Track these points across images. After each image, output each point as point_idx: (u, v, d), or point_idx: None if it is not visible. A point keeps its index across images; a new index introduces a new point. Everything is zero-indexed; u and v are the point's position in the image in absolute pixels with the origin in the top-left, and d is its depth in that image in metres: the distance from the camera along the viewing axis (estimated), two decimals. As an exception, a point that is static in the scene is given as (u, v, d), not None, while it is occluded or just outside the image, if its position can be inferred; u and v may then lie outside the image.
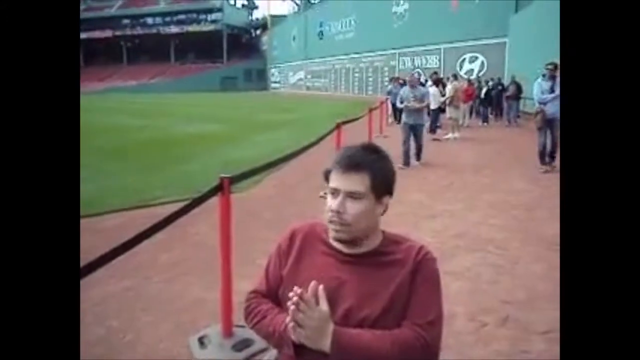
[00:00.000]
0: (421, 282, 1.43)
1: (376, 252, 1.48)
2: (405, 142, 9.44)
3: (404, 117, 9.85)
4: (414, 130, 9.55)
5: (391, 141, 12.68)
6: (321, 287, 1.35)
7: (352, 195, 1.41)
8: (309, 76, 54.50)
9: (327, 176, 1.47)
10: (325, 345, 1.31)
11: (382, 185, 1.45)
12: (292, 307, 1.29)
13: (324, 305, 1.33)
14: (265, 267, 1.63)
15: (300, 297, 1.29)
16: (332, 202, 1.43)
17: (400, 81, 20.72)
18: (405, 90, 9.90)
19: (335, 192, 1.43)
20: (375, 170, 1.43)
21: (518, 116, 18.29)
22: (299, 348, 1.37)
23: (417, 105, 9.47)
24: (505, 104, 18.63)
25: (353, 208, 1.41)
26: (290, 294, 1.30)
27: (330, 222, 1.44)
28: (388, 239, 1.52)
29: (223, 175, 2.97)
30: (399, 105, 10.05)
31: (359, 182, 1.42)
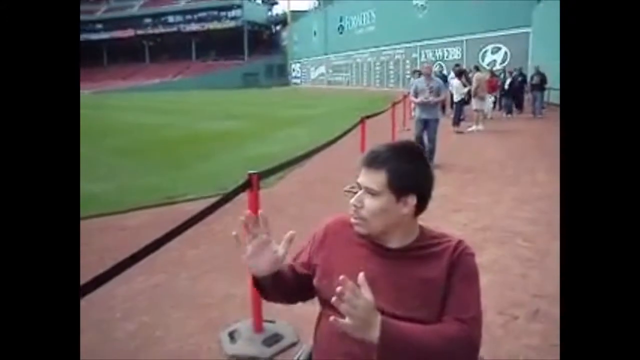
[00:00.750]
0: (460, 277, 1.41)
1: (412, 247, 1.48)
2: (418, 138, 8.76)
3: (417, 111, 9.10)
4: (427, 126, 8.82)
5: (413, 135, 12.64)
6: (362, 275, 1.29)
7: (369, 192, 1.44)
8: (330, 71, 54.42)
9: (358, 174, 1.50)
10: (373, 335, 1.25)
11: (402, 183, 1.43)
12: (334, 298, 1.22)
13: (367, 294, 1.26)
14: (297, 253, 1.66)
15: (345, 285, 1.22)
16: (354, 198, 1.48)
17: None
18: (420, 82, 9.03)
19: (358, 187, 1.47)
20: (394, 169, 1.42)
21: (543, 107, 18.01)
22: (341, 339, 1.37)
23: (434, 99, 8.72)
24: (530, 95, 18.35)
25: (370, 204, 1.43)
26: (337, 288, 1.21)
27: (351, 215, 1.49)
28: (426, 235, 1.51)
29: (251, 171, 2.99)
30: (412, 98, 9.15)
31: (375, 179, 1.43)
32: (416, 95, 8.79)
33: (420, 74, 21.23)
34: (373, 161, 1.44)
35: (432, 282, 1.41)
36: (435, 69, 23.18)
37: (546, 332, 3.15)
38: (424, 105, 8.74)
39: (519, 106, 19.04)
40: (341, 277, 1.21)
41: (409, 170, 1.44)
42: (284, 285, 1.53)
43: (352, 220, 1.48)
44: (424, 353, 1.29)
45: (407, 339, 1.29)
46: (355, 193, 1.48)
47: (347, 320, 1.22)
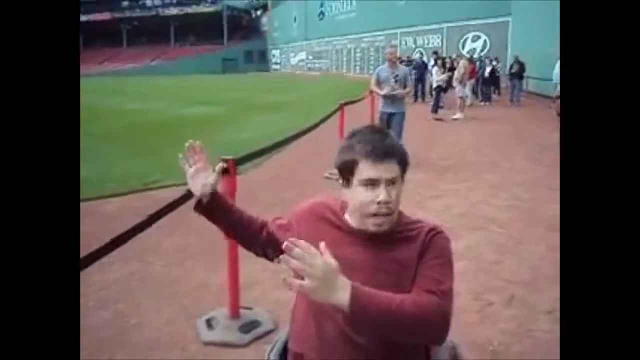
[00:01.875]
0: (432, 257, 1.42)
1: (391, 232, 1.47)
2: None
3: (380, 104, 7.80)
4: (393, 120, 7.60)
5: (393, 122, 12.65)
6: (322, 243, 1.25)
7: (392, 182, 1.42)
8: (310, 57, 54.12)
9: (348, 168, 1.44)
10: (341, 299, 1.21)
11: (405, 166, 1.46)
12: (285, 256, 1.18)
13: (329, 258, 1.22)
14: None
15: (295, 244, 1.19)
16: (376, 194, 1.41)
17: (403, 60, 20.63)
18: (383, 70, 7.75)
19: (374, 183, 1.41)
20: (399, 152, 1.44)
21: (521, 95, 18.18)
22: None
23: (401, 92, 7.57)
24: (509, 83, 18.53)
25: (394, 195, 1.42)
26: (285, 243, 1.18)
27: (376, 215, 1.42)
28: (403, 219, 1.52)
29: (226, 157, 2.95)
30: (374, 88, 7.83)
31: (395, 168, 1.42)
32: (379, 84, 7.64)
33: (408, 62, 21.25)
34: (387, 151, 1.41)
35: (405, 264, 1.42)
36: (416, 55, 23.28)
37: (521, 318, 3.19)
38: (388, 98, 7.56)
39: (497, 92, 19.28)
40: (285, 243, 1.17)
41: (404, 150, 1.48)
42: (230, 220, 1.70)
43: (377, 220, 1.42)
44: (396, 319, 1.26)
45: (378, 304, 1.25)
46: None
47: (305, 281, 1.17)
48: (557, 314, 3.22)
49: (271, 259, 1.66)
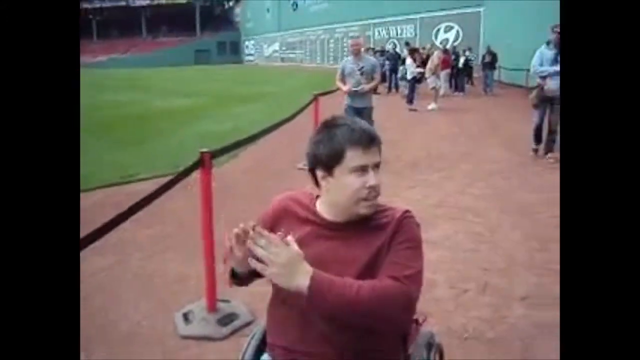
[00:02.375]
0: (401, 240, 1.44)
1: (361, 220, 1.48)
2: None
3: (346, 99, 7.16)
4: (360, 116, 6.39)
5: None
6: (290, 237, 1.33)
7: (377, 167, 1.46)
8: (283, 48, 53.85)
9: (334, 158, 1.44)
10: (302, 286, 1.29)
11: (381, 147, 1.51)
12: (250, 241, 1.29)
13: (293, 247, 1.31)
14: None
15: (260, 233, 1.29)
16: (365, 179, 1.43)
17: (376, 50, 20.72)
18: (348, 62, 7.15)
19: (363, 169, 1.43)
20: (377, 136, 1.48)
21: (494, 86, 18.40)
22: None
23: (367, 87, 6.95)
24: (482, 73, 18.72)
25: (379, 179, 1.46)
26: (251, 233, 1.30)
27: (367, 199, 1.45)
28: (378, 207, 1.52)
29: (203, 150, 2.94)
30: (339, 84, 7.21)
31: (378, 153, 1.47)
32: (344, 78, 7.10)
33: (382, 52, 21.16)
34: (372, 137, 1.45)
35: (378, 250, 1.44)
36: (389, 46, 23.31)
37: (496, 304, 3.24)
38: (353, 93, 7.01)
39: (471, 82, 19.49)
40: (250, 223, 1.32)
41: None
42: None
43: (368, 203, 1.45)
44: (355, 302, 1.30)
45: (336, 290, 1.30)
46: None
47: (269, 267, 1.28)
48: (531, 300, 3.29)
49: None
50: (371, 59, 7.51)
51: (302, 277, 1.29)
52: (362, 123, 1.50)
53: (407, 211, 1.51)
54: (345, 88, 7.00)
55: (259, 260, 1.28)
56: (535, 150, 7.59)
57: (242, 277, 1.57)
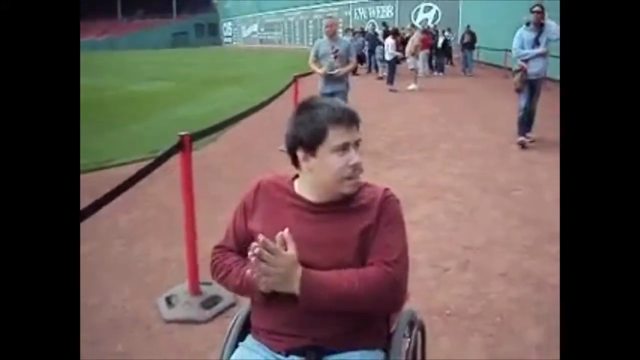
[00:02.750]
0: (385, 222, 1.47)
1: (341, 201, 1.49)
2: None
3: (320, 84, 6.75)
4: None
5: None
6: (286, 231, 1.37)
7: (357, 145, 1.47)
8: (262, 29, 53.33)
9: (316, 138, 1.43)
10: (295, 287, 1.36)
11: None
12: (253, 257, 1.31)
13: (291, 249, 1.36)
14: (230, 222, 1.62)
15: (265, 246, 1.31)
16: (348, 158, 1.44)
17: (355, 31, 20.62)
18: (322, 43, 6.78)
19: (345, 147, 1.44)
20: (356, 113, 1.49)
21: (473, 66, 18.46)
22: (269, 295, 1.41)
23: (342, 71, 6.56)
24: (461, 53, 18.77)
25: (359, 156, 1.47)
26: (253, 244, 1.31)
27: (350, 177, 1.46)
28: None
29: (183, 133, 2.91)
30: (312, 66, 6.83)
31: (358, 130, 1.48)
32: (318, 60, 6.72)
33: (361, 32, 20.98)
34: (353, 115, 1.47)
35: (364, 231, 1.45)
36: (368, 27, 23.20)
37: (476, 282, 3.29)
38: (328, 76, 6.61)
39: (450, 62, 19.56)
40: (259, 236, 1.31)
41: None
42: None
43: (352, 182, 1.46)
44: (348, 297, 1.37)
45: (327, 286, 1.37)
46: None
47: (267, 278, 1.34)
48: (510, 276, 3.35)
49: None
50: (346, 41, 7.12)
51: (296, 282, 1.35)
52: (341, 102, 1.52)
53: (386, 189, 1.53)
54: (320, 71, 6.66)
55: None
56: (522, 144, 6.95)
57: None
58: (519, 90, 6.95)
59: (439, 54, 18.98)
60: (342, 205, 1.49)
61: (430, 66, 18.62)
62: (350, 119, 1.45)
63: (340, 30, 34.03)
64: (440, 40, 18.91)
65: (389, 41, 14.68)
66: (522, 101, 6.97)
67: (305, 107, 1.48)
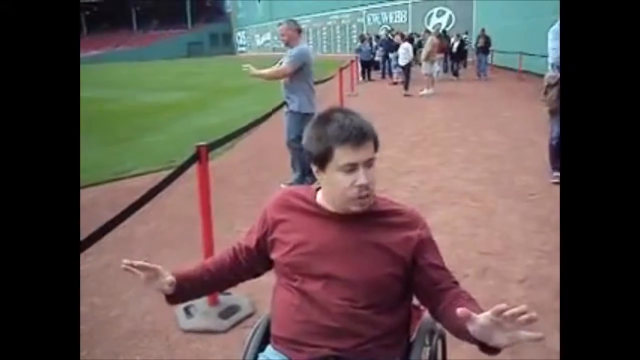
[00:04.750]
0: (433, 253, 1.52)
1: (368, 213, 1.49)
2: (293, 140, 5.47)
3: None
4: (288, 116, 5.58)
5: (361, 100, 12.71)
6: None
7: (369, 164, 1.43)
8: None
9: (322, 156, 1.42)
10: None
11: (377, 142, 1.47)
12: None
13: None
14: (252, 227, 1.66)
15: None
16: (355, 177, 1.41)
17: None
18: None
19: (353, 167, 1.40)
20: (371, 131, 1.44)
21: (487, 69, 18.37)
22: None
23: (254, 71, 5.58)
24: (475, 57, 18.68)
25: (371, 175, 1.43)
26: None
27: (360, 197, 1.43)
28: (379, 202, 1.53)
29: (199, 144, 2.93)
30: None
31: (370, 150, 1.43)
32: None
33: (362, 38, 20.90)
34: (363, 134, 1.41)
35: (382, 246, 1.46)
36: (381, 32, 23.22)
37: (494, 288, 3.26)
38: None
39: (464, 65, 19.50)
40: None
41: (373, 128, 1.47)
42: (205, 285, 1.67)
43: (361, 202, 1.44)
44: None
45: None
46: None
47: None
48: (529, 282, 3.31)
49: (261, 275, 1.70)
50: (294, 50, 5.47)
51: None
52: (355, 118, 1.44)
53: (418, 214, 1.57)
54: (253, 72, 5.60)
55: None
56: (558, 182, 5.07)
57: (178, 295, 1.64)
58: (553, 112, 5.12)
59: (454, 58, 18.92)
60: (366, 216, 1.49)
61: (446, 70, 18.57)
62: (359, 138, 1.40)
63: (354, 36, 34.16)
64: (456, 45, 18.84)
65: (406, 46, 14.65)
66: (556, 127, 5.10)
67: (318, 122, 1.47)
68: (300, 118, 5.24)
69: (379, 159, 1.49)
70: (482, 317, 1.22)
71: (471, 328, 1.25)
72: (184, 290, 1.60)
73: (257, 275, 1.69)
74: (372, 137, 1.43)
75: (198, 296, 1.72)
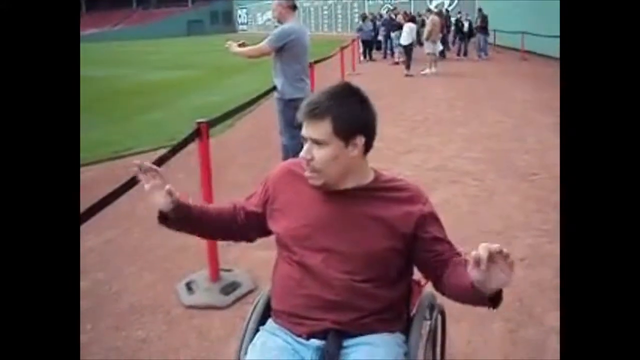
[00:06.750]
0: (437, 228, 1.56)
1: (369, 188, 1.51)
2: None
3: None
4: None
5: (363, 78, 12.61)
6: None
7: (316, 142, 1.43)
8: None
9: (301, 124, 1.48)
10: None
11: (348, 128, 1.43)
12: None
13: None
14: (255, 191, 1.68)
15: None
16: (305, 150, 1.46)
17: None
18: None
19: (306, 140, 1.45)
20: (337, 114, 1.41)
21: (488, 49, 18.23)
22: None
23: (234, 48, 5.25)
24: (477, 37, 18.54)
25: (319, 154, 1.43)
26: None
27: (305, 168, 1.48)
28: (380, 178, 1.55)
29: (200, 120, 2.92)
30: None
31: (321, 130, 1.42)
32: None
33: (363, 17, 20.74)
34: (313, 112, 1.42)
35: (382, 220, 1.47)
36: (383, 11, 22.99)
37: (495, 266, 3.27)
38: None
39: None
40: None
41: (353, 113, 1.44)
42: (199, 224, 1.68)
43: (306, 174, 1.47)
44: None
45: None
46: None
47: None
48: (528, 261, 3.32)
49: (252, 241, 1.72)
50: (278, 29, 4.93)
51: None
52: (320, 94, 1.46)
53: (420, 190, 1.58)
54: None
55: None
56: None
57: (173, 219, 1.63)
58: None
59: (463, 39, 18.78)
60: (366, 191, 1.51)
61: (449, 48, 18.46)
62: (309, 114, 1.43)
63: (355, 15, 33.85)
64: (466, 25, 18.67)
65: (411, 25, 14.49)
66: None
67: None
68: (283, 105, 4.75)
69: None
70: (483, 251, 1.27)
71: (476, 277, 1.28)
72: (180, 214, 1.61)
73: (249, 239, 1.71)
74: (326, 119, 1.41)
75: (188, 231, 1.72)
